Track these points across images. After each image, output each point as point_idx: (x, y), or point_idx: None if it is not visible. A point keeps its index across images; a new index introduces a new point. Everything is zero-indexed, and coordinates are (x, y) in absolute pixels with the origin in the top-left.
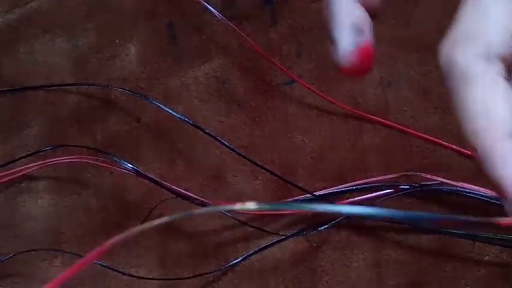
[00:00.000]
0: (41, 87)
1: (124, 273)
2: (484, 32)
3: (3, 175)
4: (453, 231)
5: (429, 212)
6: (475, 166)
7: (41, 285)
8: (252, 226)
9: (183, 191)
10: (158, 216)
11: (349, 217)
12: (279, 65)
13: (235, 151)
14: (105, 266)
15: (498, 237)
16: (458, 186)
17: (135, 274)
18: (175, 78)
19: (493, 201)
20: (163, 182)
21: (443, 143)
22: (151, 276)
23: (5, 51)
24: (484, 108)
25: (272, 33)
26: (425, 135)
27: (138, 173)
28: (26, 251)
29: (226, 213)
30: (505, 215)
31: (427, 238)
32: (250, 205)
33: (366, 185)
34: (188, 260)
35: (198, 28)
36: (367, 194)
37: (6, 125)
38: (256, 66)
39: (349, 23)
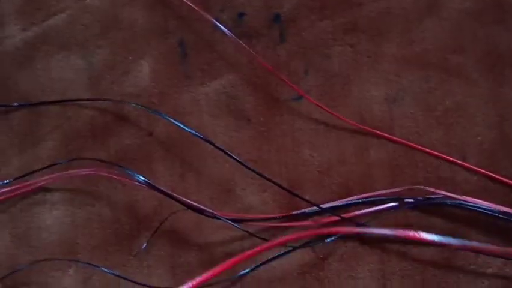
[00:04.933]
0: (57, 102)
1: (136, 283)
2: None
3: (19, 187)
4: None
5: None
6: (478, 180)
7: None
8: (260, 238)
9: (193, 203)
10: (169, 228)
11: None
12: (287, 81)
13: (244, 165)
14: (118, 276)
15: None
16: (462, 200)
17: (147, 283)
18: (186, 93)
19: (496, 214)
20: (174, 195)
21: (447, 157)
22: (162, 286)
23: (23, 68)
24: None
25: (280, 51)
26: (430, 150)
27: (150, 186)
28: (41, 261)
29: (235, 225)
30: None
31: (431, 250)
32: None
33: (371, 198)
34: (198, 270)
35: (208, 45)
36: (373, 207)
37: (23, 138)
38: (265, 83)
39: None
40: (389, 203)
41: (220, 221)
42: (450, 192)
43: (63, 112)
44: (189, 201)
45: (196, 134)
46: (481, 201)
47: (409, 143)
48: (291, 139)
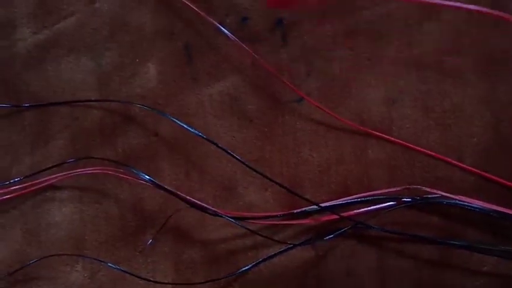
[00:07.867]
0: (67, 102)
1: (140, 278)
2: None
3: (30, 184)
4: (452, 242)
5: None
6: (474, 180)
7: None
8: (261, 235)
9: (197, 201)
10: (174, 225)
11: (354, 227)
12: (289, 83)
13: (246, 164)
14: (123, 271)
15: (496, 248)
16: (458, 200)
17: (151, 279)
18: (191, 95)
19: (491, 214)
20: (178, 193)
21: (444, 158)
22: (166, 281)
23: (34, 69)
24: None
25: (283, 54)
26: (427, 151)
27: (155, 184)
28: (50, 256)
29: (237, 223)
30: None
31: (427, 248)
32: None
33: (370, 198)
34: (201, 266)
35: (212, 48)
36: (371, 206)
37: (34, 137)
38: (267, 85)
39: None
40: (387, 202)
41: (223, 219)
42: (446, 192)
43: (73, 112)
44: (193, 199)
45: (200, 134)
46: (476, 200)
47: (407, 144)
48: (292, 139)
